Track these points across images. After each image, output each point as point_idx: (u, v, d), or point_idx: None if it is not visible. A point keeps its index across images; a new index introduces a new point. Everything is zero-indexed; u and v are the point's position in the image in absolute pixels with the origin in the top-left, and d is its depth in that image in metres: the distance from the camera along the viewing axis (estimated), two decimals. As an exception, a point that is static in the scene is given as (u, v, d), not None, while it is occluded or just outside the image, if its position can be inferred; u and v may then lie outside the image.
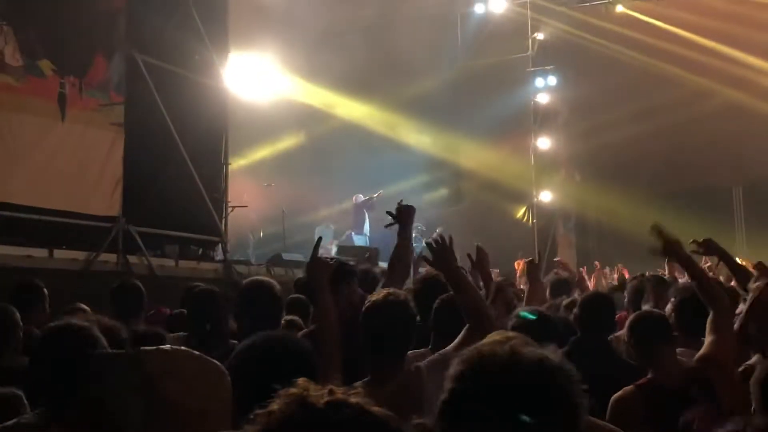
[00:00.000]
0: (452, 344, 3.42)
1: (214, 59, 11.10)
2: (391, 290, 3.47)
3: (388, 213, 4.65)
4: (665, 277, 7.02)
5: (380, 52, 18.59)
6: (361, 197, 18.02)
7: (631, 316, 4.13)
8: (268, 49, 16.11)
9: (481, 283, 5.05)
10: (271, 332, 2.59)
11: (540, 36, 19.98)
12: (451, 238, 3.84)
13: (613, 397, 3.66)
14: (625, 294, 6.37)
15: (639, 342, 3.84)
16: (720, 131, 18.12)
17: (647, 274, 7.75)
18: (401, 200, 4.79)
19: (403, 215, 4.62)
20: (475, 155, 19.79)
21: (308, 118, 18.74)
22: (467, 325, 3.46)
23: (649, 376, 3.73)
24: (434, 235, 4.04)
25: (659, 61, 18.38)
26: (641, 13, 18.73)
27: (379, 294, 3.42)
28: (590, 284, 10.71)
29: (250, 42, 14.92)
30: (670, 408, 3.36)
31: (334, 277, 3.95)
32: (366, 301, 3.43)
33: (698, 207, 18.16)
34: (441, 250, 3.77)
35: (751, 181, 19.44)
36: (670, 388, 3.54)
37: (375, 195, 17.73)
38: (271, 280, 4.26)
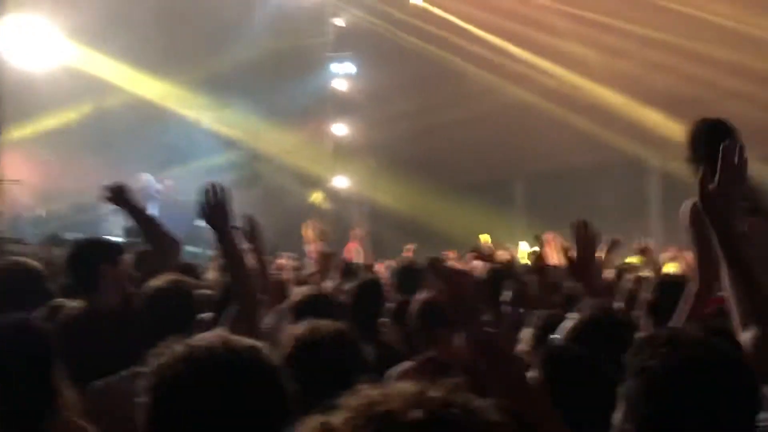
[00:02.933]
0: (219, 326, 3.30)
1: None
2: (169, 277, 3.26)
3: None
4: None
5: (176, 27, 17.88)
6: (145, 178, 17.21)
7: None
8: (49, 12, 14.96)
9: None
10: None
11: (339, 21, 20.07)
12: (225, 192, 3.43)
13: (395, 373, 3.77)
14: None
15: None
16: (505, 126, 19.11)
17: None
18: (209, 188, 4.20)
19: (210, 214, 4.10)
20: (271, 138, 19.58)
21: (96, 90, 17.63)
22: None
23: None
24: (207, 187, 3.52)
25: (452, 55, 19.07)
26: (436, 6, 19.29)
27: (154, 283, 3.21)
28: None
29: (32, 4, 13.80)
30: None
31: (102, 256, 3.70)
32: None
33: (483, 198, 19.11)
34: (216, 207, 3.36)
35: (531, 175, 20.71)
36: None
37: (161, 185, 17.03)
38: (26, 261, 3.92)
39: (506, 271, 5.77)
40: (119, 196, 4.30)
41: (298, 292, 4.20)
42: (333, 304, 3.98)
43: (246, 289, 3.18)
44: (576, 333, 2.64)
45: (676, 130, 16.96)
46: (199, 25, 17.80)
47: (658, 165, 19.07)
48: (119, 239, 13.45)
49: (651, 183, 19.54)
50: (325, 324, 2.54)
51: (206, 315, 3.75)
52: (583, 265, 3.55)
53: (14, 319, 2.37)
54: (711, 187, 2.24)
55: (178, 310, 3.19)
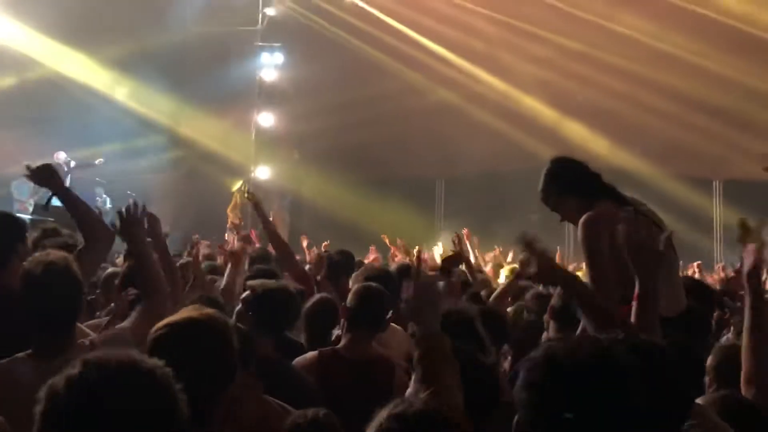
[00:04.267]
0: (128, 320, 3.28)
1: None
2: (51, 253, 3.15)
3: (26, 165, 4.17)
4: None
5: (104, 3, 17.47)
6: (63, 155, 16.75)
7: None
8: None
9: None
10: None
11: (270, 11, 19.90)
12: (144, 208, 3.64)
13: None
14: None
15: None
16: (431, 127, 19.29)
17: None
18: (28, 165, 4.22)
19: (38, 175, 4.13)
20: (194, 123, 19.29)
21: (15, 63, 17.08)
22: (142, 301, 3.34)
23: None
24: (129, 203, 3.70)
25: (382, 53, 19.13)
26: (369, 5, 19.32)
27: (35, 260, 3.10)
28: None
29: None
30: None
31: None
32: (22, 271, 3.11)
33: (406, 196, 19.25)
34: (128, 220, 3.60)
35: (453, 176, 20.95)
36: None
37: (96, 162, 16.66)
38: None
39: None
40: (46, 176, 4.13)
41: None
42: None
43: (155, 289, 3.40)
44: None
45: (596, 141, 17.48)
46: (128, 4, 17.42)
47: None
48: (28, 216, 13.07)
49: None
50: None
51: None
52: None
53: None
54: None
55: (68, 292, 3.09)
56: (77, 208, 4.03)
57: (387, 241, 12.44)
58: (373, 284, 4.15)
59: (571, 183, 4.14)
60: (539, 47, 18.05)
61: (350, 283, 5.71)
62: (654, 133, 17.77)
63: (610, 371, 1.62)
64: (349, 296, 4.02)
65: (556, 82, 18.18)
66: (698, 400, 2.74)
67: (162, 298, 3.40)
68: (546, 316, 4.21)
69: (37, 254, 3.21)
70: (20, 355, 3.01)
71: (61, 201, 4.12)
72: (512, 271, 9.65)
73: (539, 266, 2.85)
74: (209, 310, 2.29)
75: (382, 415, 1.72)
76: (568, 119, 18.40)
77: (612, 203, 3.90)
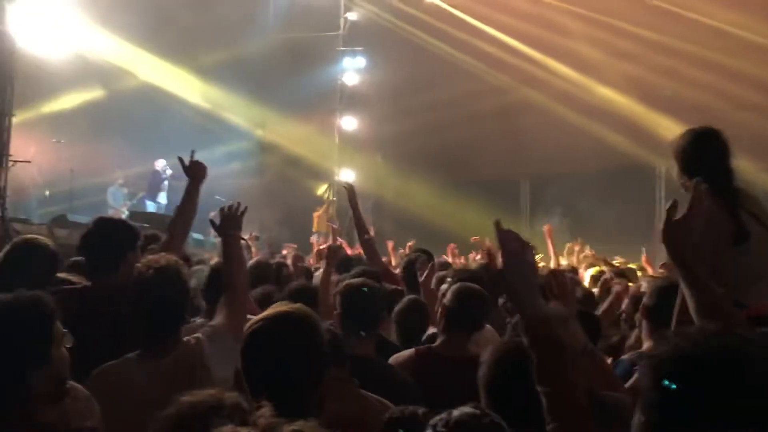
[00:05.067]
0: (217, 316, 3.37)
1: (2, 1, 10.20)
2: (163, 258, 3.26)
3: (179, 159, 4.36)
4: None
5: (191, 14, 17.93)
6: (162, 162, 17.33)
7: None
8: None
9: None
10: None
11: (352, 16, 20.12)
12: (245, 209, 3.76)
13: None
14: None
15: None
16: (513, 126, 19.11)
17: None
18: (194, 150, 4.46)
19: (193, 169, 4.32)
20: (280, 129, 19.65)
21: (108, 74, 17.69)
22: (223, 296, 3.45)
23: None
24: (230, 203, 3.86)
25: (463, 53, 19.08)
26: (450, 5, 19.31)
27: (146, 263, 3.22)
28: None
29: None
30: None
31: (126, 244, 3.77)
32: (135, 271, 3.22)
33: (489, 197, 19.11)
34: (230, 217, 3.72)
35: (538, 175, 20.70)
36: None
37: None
38: (37, 239, 3.97)
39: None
40: (197, 171, 4.33)
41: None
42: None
43: (236, 284, 3.53)
44: None
45: (678, 141, 17.01)
46: (214, 13, 17.83)
47: (665, 170, 19.07)
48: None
49: (658, 189, 19.52)
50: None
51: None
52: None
53: (32, 295, 2.36)
54: (675, 219, 2.50)
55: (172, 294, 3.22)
56: (188, 207, 4.27)
57: (479, 242, 12.35)
58: (472, 285, 4.13)
59: (690, 163, 3.77)
60: (624, 41, 17.68)
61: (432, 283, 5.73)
62: (744, 126, 17.19)
63: (751, 366, 1.58)
64: (448, 296, 4.02)
65: (642, 76, 17.79)
66: None
67: (241, 294, 3.53)
68: (638, 315, 4.14)
69: (149, 257, 3.33)
70: (130, 355, 3.13)
71: (187, 190, 4.32)
72: (597, 271, 9.52)
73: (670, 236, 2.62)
74: (298, 305, 2.36)
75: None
76: (655, 114, 17.96)
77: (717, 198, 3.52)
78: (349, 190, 6.65)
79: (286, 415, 1.92)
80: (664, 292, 4.06)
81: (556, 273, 4.12)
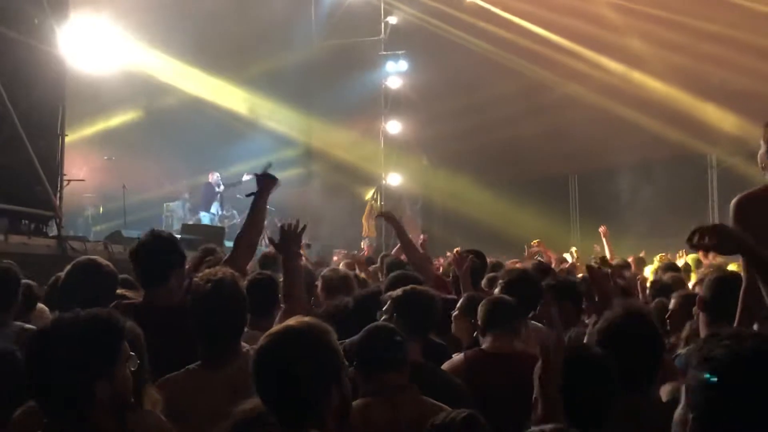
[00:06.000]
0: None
1: (53, 23, 10.44)
2: (220, 271, 3.34)
3: (255, 175, 4.43)
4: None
5: (232, 26, 18.16)
6: (216, 175, 17.60)
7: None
8: (113, 13, 15.29)
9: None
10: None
11: (392, 20, 20.18)
12: (304, 227, 3.86)
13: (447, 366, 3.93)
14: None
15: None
16: (557, 122, 18.93)
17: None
18: (269, 162, 4.53)
19: (264, 182, 4.37)
20: (325, 136, 19.78)
21: (154, 90, 18.01)
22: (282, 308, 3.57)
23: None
24: (290, 222, 3.99)
25: (504, 51, 18.97)
26: (489, 3, 19.22)
27: (204, 276, 3.30)
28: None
29: (93, 4, 14.12)
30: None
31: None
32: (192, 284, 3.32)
33: (537, 195, 18.99)
34: (289, 236, 3.89)
35: (586, 171, 20.49)
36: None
37: (243, 178, 17.40)
38: (97, 259, 4.08)
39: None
40: (268, 184, 4.40)
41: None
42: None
43: (295, 295, 3.84)
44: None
45: (734, 124, 16.68)
46: (256, 24, 18.02)
47: (716, 160, 18.73)
48: (178, 236, 13.74)
49: (710, 178, 19.17)
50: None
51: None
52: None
53: (107, 312, 2.52)
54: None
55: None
56: (256, 220, 4.37)
57: (536, 244, 12.26)
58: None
59: None
60: (668, 31, 17.39)
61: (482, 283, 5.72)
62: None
63: None
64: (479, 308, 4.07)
65: (689, 65, 17.47)
66: None
67: (300, 304, 3.75)
68: (695, 309, 4.08)
69: (207, 270, 3.40)
70: (191, 366, 3.20)
71: (254, 203, 4.37)
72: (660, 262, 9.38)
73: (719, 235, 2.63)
74: (309, 320, 2.41)
75: None
76: (703, 102, 17.64)
77: None
78: (387, 217, 6.71)
79: (290, 427, 2.18)
80: (721, 283, 4.02)
81: (591, 269, 4.17)
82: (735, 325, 3.33)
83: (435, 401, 3.07)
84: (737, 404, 1.57)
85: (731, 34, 16.60)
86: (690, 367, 1.68)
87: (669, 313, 4.79)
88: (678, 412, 1.71)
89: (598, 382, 2.69)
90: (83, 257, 4.23)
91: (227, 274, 3.30)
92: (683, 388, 1.70)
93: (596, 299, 4.34)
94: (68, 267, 4.00)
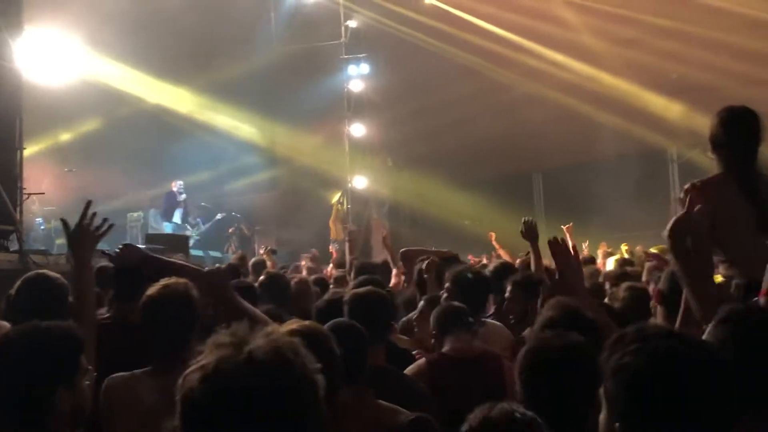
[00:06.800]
0: None
1: (6, 37, 10.30)
2: (172, 281, 3.35)
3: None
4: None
5: (191, 33, 18.02)
6: (180, 183, 17.48)
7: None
8: (68, 24, 15.08)
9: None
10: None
11: (352, 24, 20.16)
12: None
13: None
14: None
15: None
16: (519, 121, 19.09)
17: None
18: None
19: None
20: (289, 141, 19.72)
21: (113, 99, 17.80)
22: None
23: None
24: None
25: (465, 52, 19.08)
26: (448, 4, 19.31)
27: (156, 286, 3.33)
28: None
29: (48, 16, 13.93)
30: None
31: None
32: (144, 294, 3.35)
33: (503, 193, 19.12)
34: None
35: (550, 169, 20.68)
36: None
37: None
38: (46, 272, 4.06)
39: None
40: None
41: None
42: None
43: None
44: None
45: (693, 118, 16.93)
46: (215, 29, 17.90)
47: (676, 154, 19.00)
48: (142, 246, 13.61)
49: (671, 172, 19.45)
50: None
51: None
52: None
53: (66, 325, 2.56)
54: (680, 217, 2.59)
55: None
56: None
57: (494, 240, 12.36)
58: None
59: (716, 144, 3.79)
60: (625, 28, 17.62)
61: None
62: (754, 103, 17.08)
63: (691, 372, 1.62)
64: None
65: (647, 61, 17.71)
66: None
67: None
68: (653, 302, 4.14)
69: (163, 281, 3.40)
70: (138, 371, 3.26)
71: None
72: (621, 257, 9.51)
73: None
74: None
75: None
76: (663, 98, 17.89)
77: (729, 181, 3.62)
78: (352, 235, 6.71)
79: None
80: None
81: (552, 243, 4.15)
82: (679, 319, 3.40)
83: (392, 405, 3.07)
84: (660, 406, 1.60)
85: (686, 29, 16.88)
86: (604, 377, 1.70)
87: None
88: (602, 419, 1.73)
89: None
90: (32, 272, 4.20)
91: (179, 282, 3.32)
92: (601, 393, 1.72)
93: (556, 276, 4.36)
94: (18, 282, 3.98)
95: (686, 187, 3.07)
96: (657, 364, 1.62)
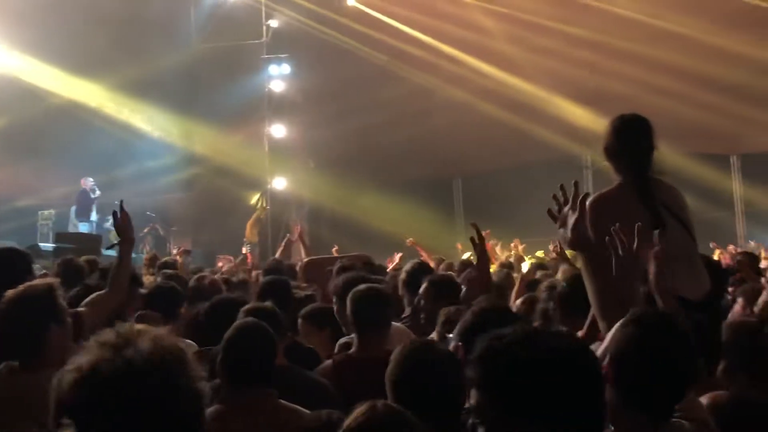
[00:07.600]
0: None
1: None
2: (35, 282, 3.42)
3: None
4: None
5: (107, 29, 17.60)
6: (91, 181, 17.02)
7: None
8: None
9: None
10: None
11: (274, 23, 19.99)
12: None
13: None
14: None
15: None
16: (441, 126, 19.27)
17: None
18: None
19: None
20: (208, 141, 19.40)
21: (26, 95, 17.27)
22: None
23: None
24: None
25: (386, 54, 19.17)
26: (371, 7, 19.35)
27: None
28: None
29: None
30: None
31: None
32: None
33: (423, 197, 19.26)
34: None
35: (469, 174, 20.94)
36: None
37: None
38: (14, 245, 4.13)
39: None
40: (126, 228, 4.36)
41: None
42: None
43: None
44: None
45: (605, 125, 17.38)
46: (134, 27, 17.53)
47: (591, 160, 19.45)
48: (51, 245, 13.25)
49: (585, 178, 19.90)
50: None
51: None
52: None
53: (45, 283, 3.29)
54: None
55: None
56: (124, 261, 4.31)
57: (412, 243, 12.41)
58: (373, 287, 4.19)
59: (610, 151, 3.90)
60: (543, 37, 17.98)
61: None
62: (666, 114, 17.58)
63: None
64: (348, 301, 4.04)
65: (564, 71, 18.11)
66: (704, 398, 2.74)
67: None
68: (553, 304, 4.22)
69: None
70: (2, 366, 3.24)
71: (121, 252, 4.29)
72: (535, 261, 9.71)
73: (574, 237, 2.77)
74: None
75: None
76: (579, 106, 18.31)
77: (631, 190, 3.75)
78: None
79: None
80: (579, 281, 4.16)
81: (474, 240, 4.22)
82: (585, 327, 3.50)
83: (295, 406, 3.05)
84: (518, 408, 1.62)
85: (600, 39, 17.34)
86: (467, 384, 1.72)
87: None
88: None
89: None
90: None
91: (42, 283, 3.38)
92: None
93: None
94: None
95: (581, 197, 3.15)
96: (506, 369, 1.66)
